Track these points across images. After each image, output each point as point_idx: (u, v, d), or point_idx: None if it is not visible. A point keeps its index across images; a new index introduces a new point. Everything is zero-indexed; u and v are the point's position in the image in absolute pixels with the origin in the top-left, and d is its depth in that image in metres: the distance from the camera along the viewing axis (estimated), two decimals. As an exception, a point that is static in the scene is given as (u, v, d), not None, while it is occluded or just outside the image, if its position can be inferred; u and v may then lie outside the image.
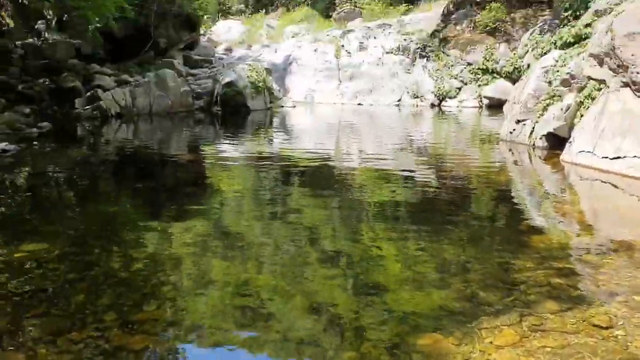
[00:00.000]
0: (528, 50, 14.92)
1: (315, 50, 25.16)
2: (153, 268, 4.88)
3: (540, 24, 16.94)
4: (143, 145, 13.56)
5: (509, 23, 21.59)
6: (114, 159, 11.43)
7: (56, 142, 13.21)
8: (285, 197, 7.86)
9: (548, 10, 20.87)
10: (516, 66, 18.91)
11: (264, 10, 35.26)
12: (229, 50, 29.56)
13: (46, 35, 20.75)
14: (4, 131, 13.10)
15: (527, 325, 3.66)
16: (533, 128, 10.84)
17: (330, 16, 29.73)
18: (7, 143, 11.02)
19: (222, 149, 12.75)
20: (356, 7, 28.47)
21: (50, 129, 14.50)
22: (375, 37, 24.90)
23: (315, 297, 4.25)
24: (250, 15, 35.65)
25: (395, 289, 4.39)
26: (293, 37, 29.05)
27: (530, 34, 16.39)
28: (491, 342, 3.45)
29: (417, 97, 22.09)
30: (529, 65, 13.64)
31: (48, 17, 21.15)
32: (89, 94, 17.46)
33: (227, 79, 19.51)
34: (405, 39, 24.03)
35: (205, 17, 26.85)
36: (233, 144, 13.77)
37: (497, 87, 19.92)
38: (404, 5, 27.18)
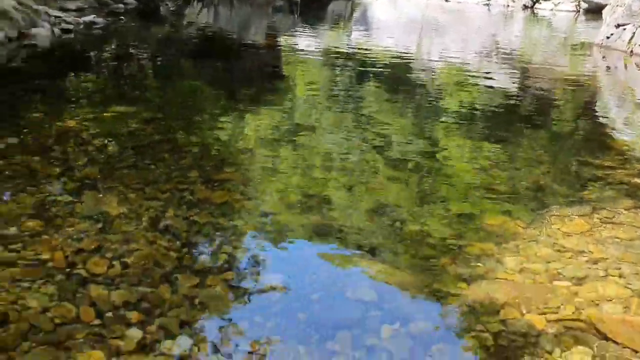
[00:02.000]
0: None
1: (404, -60, 23.75)
2: (230, 140, 5.09)
3: None
4: (223, 29, 13.62)
5: None
6: (195, 40, 11.58)
7: (140, 20, 13.47)
8: (358, 95, 7.77)
9: None
10: (624, -33, 17.19)
11: None
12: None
13: None
14: (92, 5, 13.43)
15: (598, 217, 3.63)
16: (634, 33, 10.07)
17: None
18: (95, 15, 11.35)
19: (298, 40, 12.62)
20: None
21: (135, 6, 14.76)
22: None
23: (380, 196, 4.18)
24: None
25: (467, 179, 4.40)
26: None
27: None
28: (559, 229, 3.47)
29: (508, -4, 20.72)
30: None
31: None
32: (171, -26, 17.43)
33: (310, -34, 18.90)
34: None
35: None
36: (310, 35, 13.59)
37: (599, -10, 18.31)
38: None
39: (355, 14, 18.44)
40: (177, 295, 2.63)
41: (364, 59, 10.54)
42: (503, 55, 11.76)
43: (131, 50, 9.36)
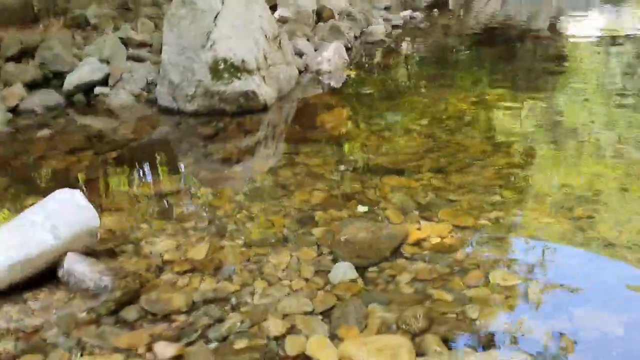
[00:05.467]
0: None
1: None
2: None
3: None
4: (510, 17, 13.25)
5: None
6: (482, 32, 11.29)
7: (441, 12, 13.73)
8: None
9: None
10: None
11: None
12: None
13: None
14: (396, 4, 14.21)
15: None
16: None
17: None
18: (411, 10, 11.97)
19: (590, 24, 11.54)
20: None
21: (430, 2, 15.25)
22: None
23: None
24: None
25: None
26: None
27: None
28: None
29: None
30: None
31: None
32: (463, -36, 17.56)
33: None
34: None
35: None
36: (605, 17, 12.36)
37: None
38: None
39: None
40: None
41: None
42: None
43: (450, 40, 9.64)
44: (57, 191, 2.70)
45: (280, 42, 6.14)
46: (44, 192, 3.58)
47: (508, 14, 14.27)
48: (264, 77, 5.43)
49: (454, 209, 3.27)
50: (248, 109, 5.26)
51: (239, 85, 5.11)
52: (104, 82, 6.00)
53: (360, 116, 5.34)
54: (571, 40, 9.91)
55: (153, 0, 8.63)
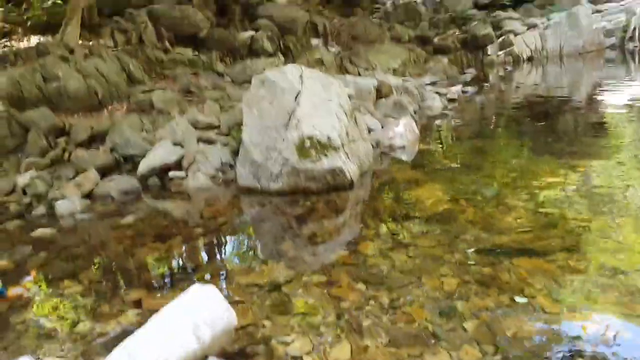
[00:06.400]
0: None
1: None
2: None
3: None
4: (549, 90, 13.11)
5: None
6: (527, 104, 11.12)
7: (481, 86, 13.70)
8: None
9: None
10: None
11: None
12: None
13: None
14: (442, 79, 14.25)
15: None
16: None
17: None
18: (461, 85, 11.92)
19: (628, 95, 11.27)
20: None
21: (474, 75, 15.27)
22: None
23: None
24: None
25: None
26: None
27: None
28: None
29: None
30: None
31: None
32: (500, 40, 17.74)
33: (649, 9, 17.42)
34: None
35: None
36: None
37: None
38: None
39: None
40: None
41: None
42: None
43: (510, 112, 9.44)
44: (192, 288, 2.41)
45: (355, 118, 5.98)
46: (145, 285, 3.35)
47: (551, 86, 14.15)
48: (347, 154, 5.21)
49: (611, 294, 2.88)
50: (334, 187, 5.02)
51: (326, 162, 4.89)
52: (178, 164, 5.87)
53: (453, 191, 5.03)
54: (616, 112, 9.56)
55: (214, 83, 8.68)
